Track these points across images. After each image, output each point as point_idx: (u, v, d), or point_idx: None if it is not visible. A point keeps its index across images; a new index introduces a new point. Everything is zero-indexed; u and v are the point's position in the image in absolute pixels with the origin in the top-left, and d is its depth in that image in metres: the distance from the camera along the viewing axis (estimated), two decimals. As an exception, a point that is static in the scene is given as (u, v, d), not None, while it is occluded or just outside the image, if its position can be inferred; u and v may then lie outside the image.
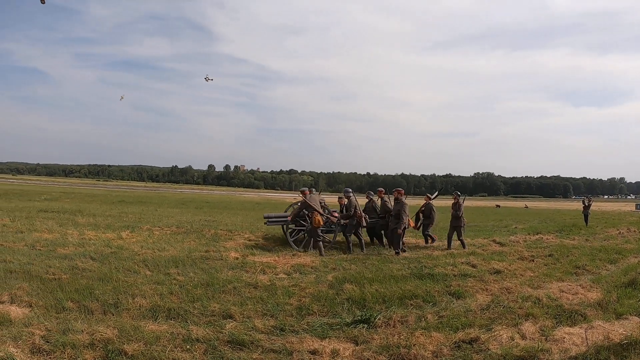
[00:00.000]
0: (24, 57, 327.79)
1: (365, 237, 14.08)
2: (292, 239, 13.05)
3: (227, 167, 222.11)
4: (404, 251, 12.68)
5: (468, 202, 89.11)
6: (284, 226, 13.70)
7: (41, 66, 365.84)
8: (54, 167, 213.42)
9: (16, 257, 9.46)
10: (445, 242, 14.05)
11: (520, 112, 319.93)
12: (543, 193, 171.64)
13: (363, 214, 13.17)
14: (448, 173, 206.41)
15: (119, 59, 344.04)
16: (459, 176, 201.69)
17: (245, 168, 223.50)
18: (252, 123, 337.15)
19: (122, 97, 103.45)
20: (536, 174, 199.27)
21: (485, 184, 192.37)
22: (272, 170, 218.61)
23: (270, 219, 13.67)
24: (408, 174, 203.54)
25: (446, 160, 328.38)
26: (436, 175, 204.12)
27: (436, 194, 16.61)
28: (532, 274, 9.89)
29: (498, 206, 71.94)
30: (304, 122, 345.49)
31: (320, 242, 12.29)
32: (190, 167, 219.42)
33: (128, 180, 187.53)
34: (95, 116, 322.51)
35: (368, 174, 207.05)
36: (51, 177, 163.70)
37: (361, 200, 13.86)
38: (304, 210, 12.71)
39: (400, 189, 13.40)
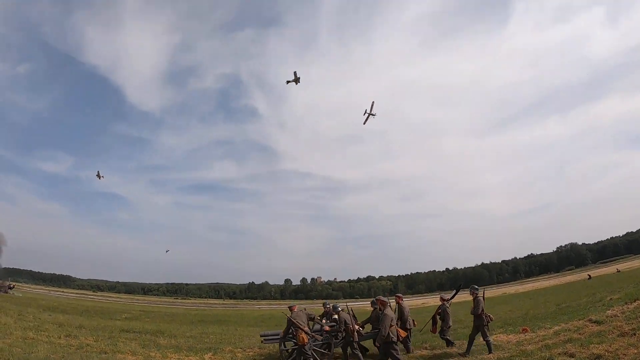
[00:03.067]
0: (105, 184, 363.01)
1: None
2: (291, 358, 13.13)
3: (303, 280, 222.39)
4: None
5: (557, 280, 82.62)
6: (280, 344, 13.81)
7: (120, 192, 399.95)
8: (133, 285, 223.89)
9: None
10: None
11: (591, 170, 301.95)
12: (633, 250, 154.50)
13: (357, 327, 13.29)
14: (529, 253, 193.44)
15: (192, 183, 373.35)
16: (541, 254, 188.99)
17: (322, 280, 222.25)
18: (325, 234, 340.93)
19: (168, 251, 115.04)
20: (622, 232, 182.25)
21: (570, 257, 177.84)
22: (349, 279, 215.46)
23: (267, 337, 14.19)
24: (488, 262, 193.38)
25: (526, 239, 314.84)
26: (517, 258, 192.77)
27: (454, 293, 15.71)
28: (635, 351, 8.87)
29: (589, 277, 65.86)
30: (377, 227, 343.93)
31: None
32: (266, 282, 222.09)
33: (206, 297, 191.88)
34: (172, 237, 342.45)
35: (447, 269, 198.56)
36: (130, 295, 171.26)
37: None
38: (291, 328, 12.95)
39: (382, 299, 13.28)
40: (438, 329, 15.50)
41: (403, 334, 13.24)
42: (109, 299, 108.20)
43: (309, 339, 12.69)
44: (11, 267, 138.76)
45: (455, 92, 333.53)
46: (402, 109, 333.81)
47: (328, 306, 14.99)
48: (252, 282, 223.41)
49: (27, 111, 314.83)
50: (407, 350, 14.68)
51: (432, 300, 71.56)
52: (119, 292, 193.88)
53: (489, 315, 13.51)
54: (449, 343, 15.03)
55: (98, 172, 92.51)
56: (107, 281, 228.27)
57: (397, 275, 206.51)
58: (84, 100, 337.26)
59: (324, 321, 14.61)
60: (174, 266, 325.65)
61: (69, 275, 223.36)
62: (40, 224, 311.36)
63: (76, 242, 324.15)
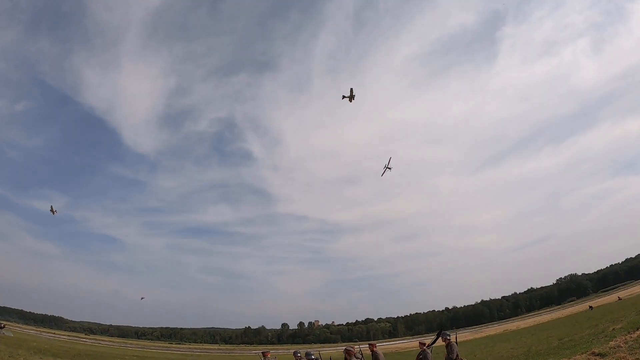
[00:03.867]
0: (100, 225, 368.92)
1: None
2: None
3: (301, 324, 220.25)
4: None
5: (559, 313, 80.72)
6: None
7: (114, 233, 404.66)
8: (126, 329, 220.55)
9: None
10: None
11: (586, 200, 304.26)
12: (633, 276, 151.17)
13: None
14: (529, 287, 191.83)
15: (186, 226, 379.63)
16: (541, 287, 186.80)
17: (319, 323, 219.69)
18: (322, 276, 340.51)
19: (143, 298, 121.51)
20: (621, 259, 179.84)
21: (571, 288, 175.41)
22: (347, 322, 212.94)
23: None
24: (488, 299, 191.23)
25: (526, 273, 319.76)
26: (517, 293, 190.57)
27: (434, 339, 15.55)
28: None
29: (591, 307, 64.94)
30: (374, 268, 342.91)
31: None
32: (263, 327, 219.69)
33: (201, 342, 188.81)
34: (167, 280, 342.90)
35: (447, 309, 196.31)
36: (123, 339, 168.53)
37: None
38: None
39: (349, 348, 13.77)
40: None
41: None
42: (102, 342, 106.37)
43: None
44: (2, 305, 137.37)
45: (447, 130, 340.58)
46: (395, 149, 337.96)
47: (299, 355, 14.95)
48: (249, 326, 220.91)
49: (23, 149, 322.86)
50: None
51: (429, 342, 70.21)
52: (112, 336, 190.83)
53: None
54: None
55: (51, 206, 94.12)
56: (99, 324, 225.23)
57: (395, 316, 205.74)
58: (79, 140, 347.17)
59: None
60: (169, 309, 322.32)
61: (60, 317, 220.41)
62: (32, 262, 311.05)
63: (68, 282, 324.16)
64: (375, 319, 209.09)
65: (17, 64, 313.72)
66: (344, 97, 43.55)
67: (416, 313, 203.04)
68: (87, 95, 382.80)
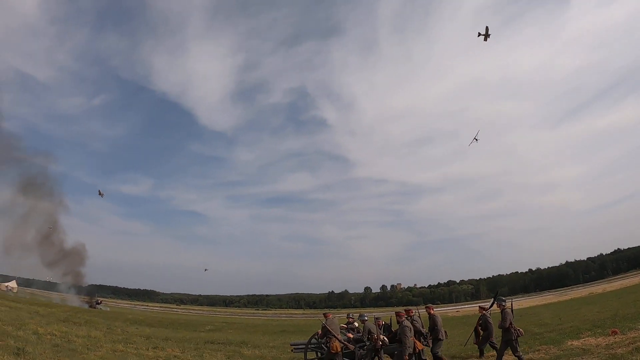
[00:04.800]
0: (184, 202, 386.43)
1: None
2: None
3: (383, 287, 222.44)
4: None
5: None
6: (305, 352, 13.91)
7: (198, 209, 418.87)
8: (215, 298, 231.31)
9: (190, 390, 10.13)
10: None
11: None
12: None
13: (382, 336, 13.00)
14: (617, 248, 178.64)
15: (267, 196, 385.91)
16: (629, 248, 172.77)
17: (402, 286, 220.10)
18: (403, 239, 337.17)
19: (206, 270, 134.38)
20: None
21: None
22: (429, 285, 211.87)
23: (296, 347, 14.40)
24: (573, 260, 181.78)
25: (613, 234, 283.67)
26: (603, 254, 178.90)
27: (492, 302, 14.53)
28: None
29: None
30: (455, 230, 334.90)
31: None
32: (346, 291, 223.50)
33: (286, 308, 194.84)
34: (251, 250, 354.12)
35: (530, 270, 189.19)
36: (212, 307, 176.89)
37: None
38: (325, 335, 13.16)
39: (406, 309, 13.88)
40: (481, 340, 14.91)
41: (420, 346, 12.96)
42: (192, 311, 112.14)
43: (342, 348, 12.76)
44: (98, 283, 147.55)
45: (522, 84, 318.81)
46: (470, 107, 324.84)
47: (352, 317, 14.89)
48: (332, 291, 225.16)
49: (106, 139, 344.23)
50: None
51: (515, 304, 68.50)
52: (202, 305, 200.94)
53: (519, 329, 12.72)
54: (481, 354, 14.77)
55: (99, 190, 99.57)
56: (189, 294, 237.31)
57: (478, 278, 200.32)
58: (157, 125, 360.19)
59: (349, 332, 14.58)
60: (254, 278, 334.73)
61: (152, 290, 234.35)
62: (124, 242, 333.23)
63: (158, 258, 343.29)
64: (458, 281, 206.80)
65: (89, 62, 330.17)
66: (479, 34, 42.46)
67: (499, 275, 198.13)
68: (159, 82, 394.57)
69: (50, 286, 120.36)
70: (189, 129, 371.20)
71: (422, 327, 13.96)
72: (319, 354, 13.72)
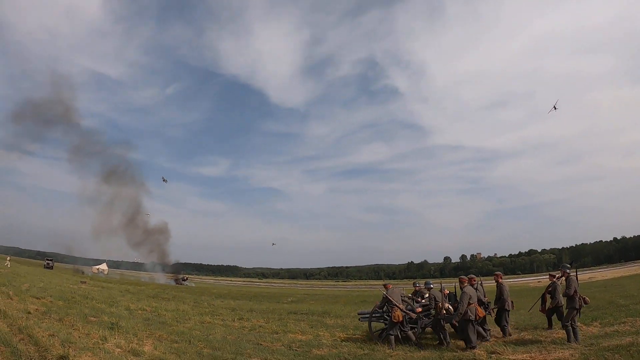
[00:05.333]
0: (261, 179, 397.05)
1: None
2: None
3: (463, 257, 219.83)
4: (474, 347, 11.58)
5: None
6: (370, 322, 14.23)
7: (276, 185, 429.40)
8: (296, 271, 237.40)
9: (276, 357, 10.41)
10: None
11: None
12: None
13: (447, 304, 12.94)
14: None
15: (343, 169, 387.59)
16: None
17: (481, 255, 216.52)
18: (481, 207, 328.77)
19: (274, 244, 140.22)
20: None
21: None
22: (510, 254, 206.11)
23: (363, 315, 14.60)
24: None
25: None
26: None
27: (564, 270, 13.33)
28: None
29: None
30: (535, 196, 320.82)
31: (392, 337, 12.68)
32: (425, 261, 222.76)
33: (366, 279, 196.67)
34: (329, 223, 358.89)
35: (615, 239, 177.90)
36: (293, 280, 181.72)
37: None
38: (385, 305, 13.42)
39: (470, 276, 13.43)
40: (548, 308, 14.13)
41: (481, 313, 12.58)
42: (274, 284, 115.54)
43: (403, 316, 12.83)
44: (183, 261, 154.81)
45: (599, 37, 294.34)
46: (544, 65, 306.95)
47: (418, 285, 14.77)
48: (411, 261, 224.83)
49: (182, 125, 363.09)
50: (503, 333, 13.71)
51: (600, 275, 65.41)
52: (283, 278, 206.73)
53: (584, 297, 11.90)
54: (550, 324, 14.02)
55: (163, 177, 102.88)
56: (271, 268, 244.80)
57: (560, 247, 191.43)
58: (230, 107, 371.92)
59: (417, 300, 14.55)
60: (334, 250, 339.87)
61: (235, 265, 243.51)
62: (206, 221, 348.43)
63: (239, 234, 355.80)
64: (539, 250, 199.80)
65: (158, 55, 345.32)
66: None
67: (582, 244, 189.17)
68: (227, 66, 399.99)
69: (137, 267, 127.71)
70: (262, 108, 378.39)
71: (485, 295, 13.71)
72: (385, 324, 13.70)
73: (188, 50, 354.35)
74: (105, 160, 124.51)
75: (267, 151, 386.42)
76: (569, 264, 12.82)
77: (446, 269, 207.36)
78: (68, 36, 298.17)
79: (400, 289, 14.19)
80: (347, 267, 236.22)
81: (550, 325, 14.05)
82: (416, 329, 13.29)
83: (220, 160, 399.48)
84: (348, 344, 12.64)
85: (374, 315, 13.96)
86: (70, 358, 8.88)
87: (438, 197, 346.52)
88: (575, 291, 11.74)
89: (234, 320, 19.29)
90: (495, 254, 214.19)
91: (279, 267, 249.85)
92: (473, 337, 11.70)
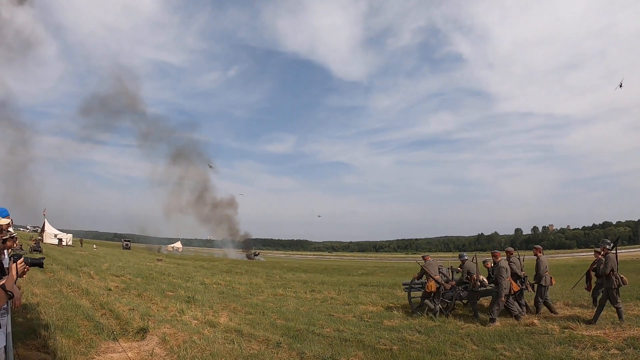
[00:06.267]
0: (329, 154, 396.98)
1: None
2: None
3: (534, 229, 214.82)
4: (494, 321, 11.50)
5: None
6: (409, 292, 14.48)
7: (343, 159, 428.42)
8: (365, 244, 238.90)
9: (348, 327, 10.56)
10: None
11: None
12: None
13: (481, 277, 12.77)
14: None
15: (411, 140, 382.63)
16: None
17: (554, 227, 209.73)
18: (554, 177, 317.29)
19: (320, 216, 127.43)
20: None
21: None
22: (583, 226, 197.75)
23: (406, 286, 14.91)
24: None
25: None
26: None
27: (612, 246, 11.99)
28: None
29: None
30: (610, 164, 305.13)
31: (427, 306, 13.01)
32: (496, 233, 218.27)
33: (436, 251, 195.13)
34: (398, 195, 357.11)
35: None
36: (363, 253, 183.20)
37: None
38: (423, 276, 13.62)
39: (507, 249, 13.57)
40: (593, 286, 13.45)
41: (516, 287, 12.32)
42: (344, 258, 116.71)
43: (437, 287, 12.88)
44: (255, 237, 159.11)
45: None
46: (617, 22, 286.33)
47: (465, 258, 14.23)
48: (481, 233, 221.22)
49: (246, 105, 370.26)
50: (537, 310, 13.00)
51: None
52: (352, 251, 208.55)
53: (622, 277, 10.97)
54: (595, 303, 13.03)
55: (209, 164, 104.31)
56: (340, 242, 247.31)
57: (637, 220, 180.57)
58: (293, 84, 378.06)
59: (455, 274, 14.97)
60: (403, 222, 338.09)
61: (305, 240, 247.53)
62: (276, 197, 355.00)
63: (309, 209, 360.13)
64: (614, 223, 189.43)
65: (217, 39, 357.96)
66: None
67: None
68: (287, 44, 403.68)
69: (208, 244, 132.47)
70: (324, 83, 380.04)
71: (522, 269, 13.16)
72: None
73: (246, 32, 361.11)
74: (172, 143, 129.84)
75: (333, 126, 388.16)
76: (611, 241, 12.05)
77: (517, 241, 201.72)
78: (128, 31, 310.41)
79: (438, 262, 14.32)
80: (416, 240, 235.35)
81: (595, 304, 13.41)
82: (449, 302, 13.19)
83: (287, 136, 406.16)
84: (419, 315, 12.64)
85: (413, 285, 14.20)
86: (150, 330, 9.38)
87: (508, 167, 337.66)
88: (612, 270, 11.03)
89: (305, 293, 19.68)
90: (568, 226, 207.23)
91: (348, 241, 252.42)
92: (496, 312, 11.61)
